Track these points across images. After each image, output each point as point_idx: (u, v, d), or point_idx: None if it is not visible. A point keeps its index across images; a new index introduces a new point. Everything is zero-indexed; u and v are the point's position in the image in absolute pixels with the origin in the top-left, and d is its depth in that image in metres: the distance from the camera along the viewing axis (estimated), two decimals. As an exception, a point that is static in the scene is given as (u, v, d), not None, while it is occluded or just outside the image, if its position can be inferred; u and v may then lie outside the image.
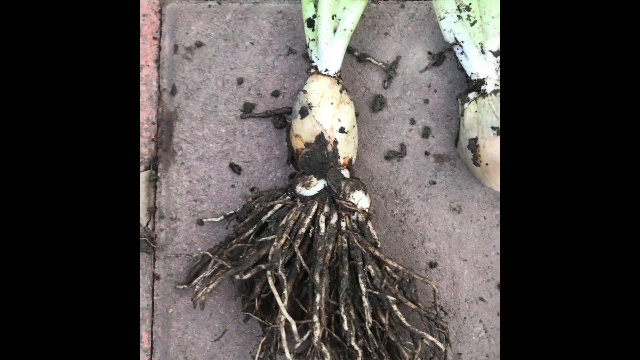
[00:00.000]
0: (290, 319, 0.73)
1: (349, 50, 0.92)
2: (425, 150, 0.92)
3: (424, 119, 0.92)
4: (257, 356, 0.80)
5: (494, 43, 0.85)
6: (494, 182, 0.84)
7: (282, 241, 0.78)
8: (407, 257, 0.92)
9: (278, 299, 0.73)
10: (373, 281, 0.81)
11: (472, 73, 0.86)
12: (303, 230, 0.80)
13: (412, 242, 0.92)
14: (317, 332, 0.74)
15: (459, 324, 0.91)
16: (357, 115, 0.92)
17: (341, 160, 0.84)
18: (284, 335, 0.74)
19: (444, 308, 0.91)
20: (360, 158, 0.92)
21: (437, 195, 0.92)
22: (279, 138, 0.93)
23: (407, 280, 0.85)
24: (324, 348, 0.74)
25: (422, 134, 0.92)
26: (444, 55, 0.92)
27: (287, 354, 0.74)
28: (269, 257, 0.77)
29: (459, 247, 0.91)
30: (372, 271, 0.81)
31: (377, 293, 0.80)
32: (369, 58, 0.92)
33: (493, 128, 0.82)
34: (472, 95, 0.85)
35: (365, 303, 0.80)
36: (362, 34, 0.93)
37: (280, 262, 0.77)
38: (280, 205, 0.84)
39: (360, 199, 0.83)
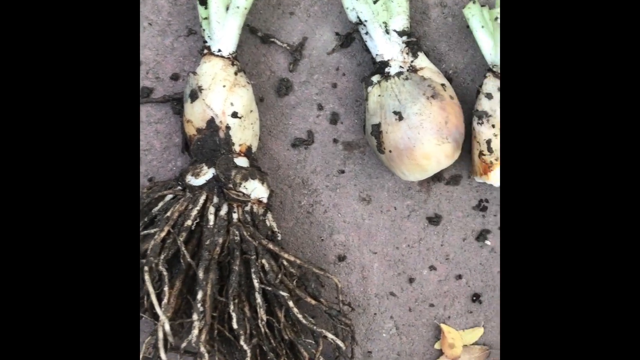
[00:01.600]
0: (163, 317, 0.68)
1: (252, 31, 0.87)
2: (334, 138, 0.87)
3: (332, 104, 0.87)
4: (141, 355, 0.75)
5: (399, 22, 0.80)
6: (399, 170, 0.79)
7: (163, 234, 0.72)
8: (315, 250, 0.87)
9: (152, 296, 0.68)
10: (267, 276, 0.76)
11: (377, 54, 0.81)
12: (189, 222, 0.74)
13: (320, 234, 0.87)
14: (195, 332, 0.69)
15: (369, 321, 0.86)
16: (262, 100, 0.87)
17: (236, 148, 0.78)
18: (160, 335, 0.69)
19: (353, 304, 0.86)
20: (265, 146, 0.87)
21: (346, 184, 0.87)
22: (179, 124, 0.87)
23: (312, 274, 0.80)
24: (202, 348, 0.69)
25: (331, 120, 0.87)
26: (352, 36, 0.87)
27: (162, 354, 0.69)
28: (148, 251, 0.72)
29: (368, 239, 0.87)
30: (266, 265, 0.76)
31: (269, 289, 0.75)
32: (273, 39, 0.87)
33: (395, 113, 0.77)
34: (375, 78, 0.80)
35: (258, 299, 0.75)
36: (266, 13, 0.87)
37: (161, 256, 0.72)
38: (171, 196, 0.79)
39: (255, 189, 0.77)
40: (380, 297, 0.86)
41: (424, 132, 0.76)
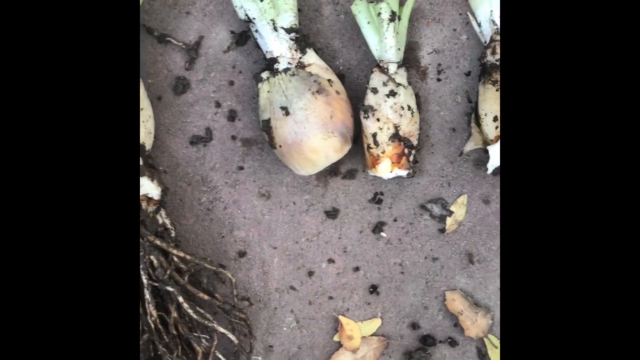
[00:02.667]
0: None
1: (149, 31, 0.87)
2: (232, 135, 0.88)
3: (229, 101, 0.88)
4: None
5: (287, 19, 0.81)
6: (292, 165, 0.81)
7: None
8: (215, 247, 0.88)
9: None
10: (156, 272, 0.76)
11: (267, 51, 0.82)
12: (74, 220, 0.74)
13: (220, 231, 0.88)
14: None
15: (270, 315, 0.87)
16: (159, 98, 0.88)
17: (126, 146, 0.79)
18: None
19: (254, 299, 0.87)
20: (163, 144, 0.88)
21: (245, 181, 0.88)
22: (77, 124, 0.87)
23: (205, 270, 0.81)
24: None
25: (228, 118, 0.88)
26: (248, 34, 0.88)
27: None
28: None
29: (268, 235, 0.88)
30: (155, 262, 0.76)
31: (157, 284, 0.76)
32: (169, 38, 0.87)
33: (282, 108, 0.78)
34: (265, 74, 0.81)
35: (147, 296, 0.76)
36: (163, 13, 0.88)
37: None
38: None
39: (142, 186, 0.78)
40: (281, 292, 0.87)
41: (310, 127, 0.77)
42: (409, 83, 0.83)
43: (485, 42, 0.84)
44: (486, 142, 0.81)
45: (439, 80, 0.87)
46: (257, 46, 0.85)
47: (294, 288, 0.87)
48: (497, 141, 0.79)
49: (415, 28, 0.87)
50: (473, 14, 0.85)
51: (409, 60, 0.87)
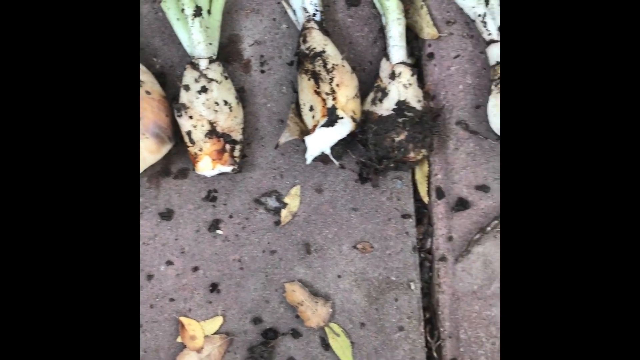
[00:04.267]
0: None
1: None
2: (59, 142, 0.86)
3: (52, 108, 0.86)
4: None
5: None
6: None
7: None
8: (50, 257, 0.86)
9: None
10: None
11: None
12: None
13: (54, 241, 0.86)
14: None
15: (112, 322, 0.86)
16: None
17: None
18: None
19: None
20: None
21: (75, 188, 0.86)
22: None
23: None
24: None
25: (53, 125, 0.86)
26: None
27: None
28: None
29: (104, 241, 0.86)
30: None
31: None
32: None
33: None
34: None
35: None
36: None
37: None
38: None
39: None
40: (121, 298, 0.86)
41: (118, 130, 0.75)
42: (226, 77, 0.82)
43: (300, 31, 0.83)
44: (305, 132, 0.81)
45: (262, 72, 0.86)
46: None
47: (135, 293, 0.86)
48: (313, 131, 0.78)
49: (234, 20, 0.85)
50: (288, 2, 0.84)
51: (231, 53, 0.85)
